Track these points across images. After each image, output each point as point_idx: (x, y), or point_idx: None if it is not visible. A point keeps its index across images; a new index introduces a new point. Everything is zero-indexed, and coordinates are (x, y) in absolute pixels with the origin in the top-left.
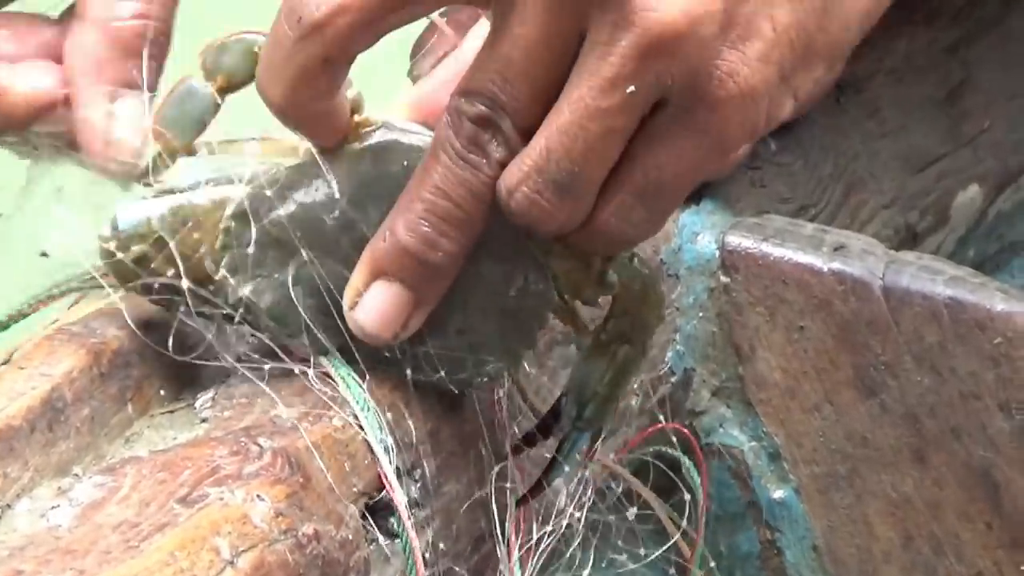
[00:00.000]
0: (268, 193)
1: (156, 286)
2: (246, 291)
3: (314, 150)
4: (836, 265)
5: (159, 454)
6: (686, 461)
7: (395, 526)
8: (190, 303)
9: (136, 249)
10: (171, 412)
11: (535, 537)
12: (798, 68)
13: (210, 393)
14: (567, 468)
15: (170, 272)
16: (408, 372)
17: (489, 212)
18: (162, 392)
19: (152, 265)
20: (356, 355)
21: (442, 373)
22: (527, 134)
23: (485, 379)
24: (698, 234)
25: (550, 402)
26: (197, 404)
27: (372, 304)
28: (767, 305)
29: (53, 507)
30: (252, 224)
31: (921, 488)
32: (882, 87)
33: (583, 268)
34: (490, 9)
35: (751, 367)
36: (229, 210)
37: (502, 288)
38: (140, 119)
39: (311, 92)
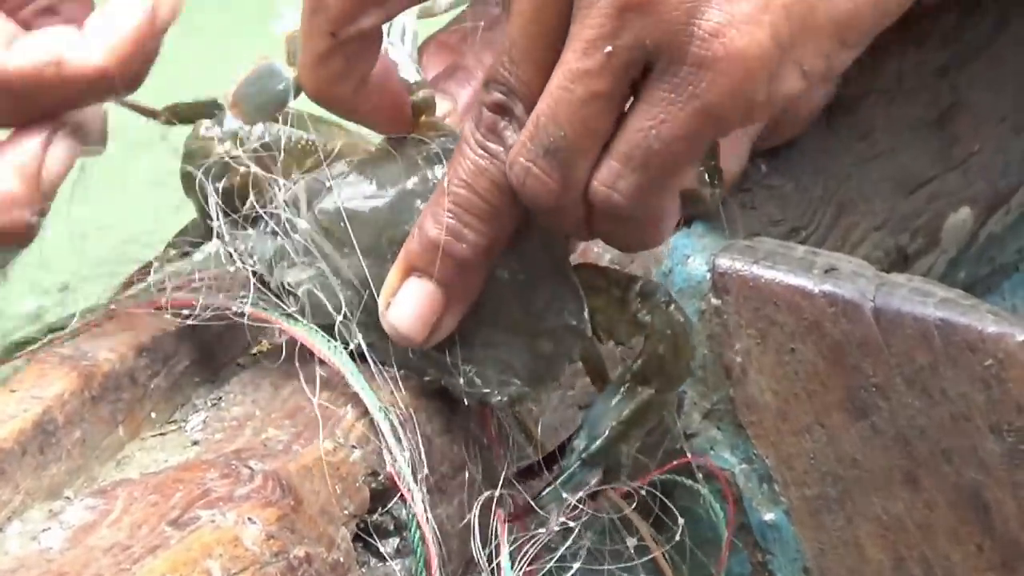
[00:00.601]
0: (326, 184)
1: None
2: (288, 278)
3: (368, 147)
4: (827, 287)
5: (150, 476)
6: (703, 491)
7: (384, 549)
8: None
9: (228, 145)
10: (162, 435)
11: (529, 562)
12: (799, 39)
13: (201, 416)
14: (564, 495)
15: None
16: (427, 377)
17: (523, 217)
18: (153, 415)
19: (233, 161)
20: (381, 355)
21: (461, 381)
22: None
23: (505, 399)
24: (689, 256)
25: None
26: (188, 427)
27: (404, 303)
28: (758, 327)
29: (44, 530)
30: (303, 211)
31: (912, 510)
32: (873, 109)
33: (619, 306)
34: None
35: (742, 389)
36: (287, 191)
37: (538, 312)
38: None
39: (328, 72)
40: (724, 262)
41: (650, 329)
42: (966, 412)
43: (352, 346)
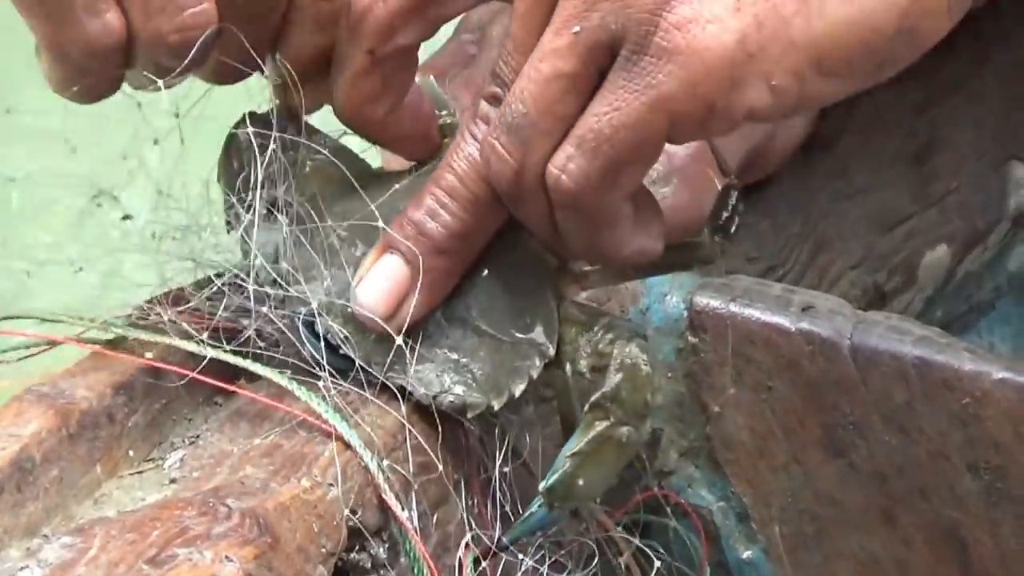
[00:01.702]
0: (345, 185)
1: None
2: (292, 263)
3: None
4: (804, 325)
5: (128, 515)
6: (671, 523)
7: None
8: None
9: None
10: (140, 473)
11: None
12: (769, 51)
13: (179, 454)
14: (517, 535)
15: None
16: (389, 374)
17: (505, 218)
18: (131, 453)
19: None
20: (353, 347)
21: (412, 372)
22: None
23: (456, 403)
24: (666, 294)
25: None
26: (166, 465)
27: (373, 279)
28: (735, 365)
29: (22, 568)
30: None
31: (889, 548)
32: (850, 146)
33: (585, 336)
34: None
35: (719, 427)
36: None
37: (509, 324)
38: None
39: (363, 91)
40: (701, 300)
41: (609, 360)
42: (943, 450)
43: (331, 337)
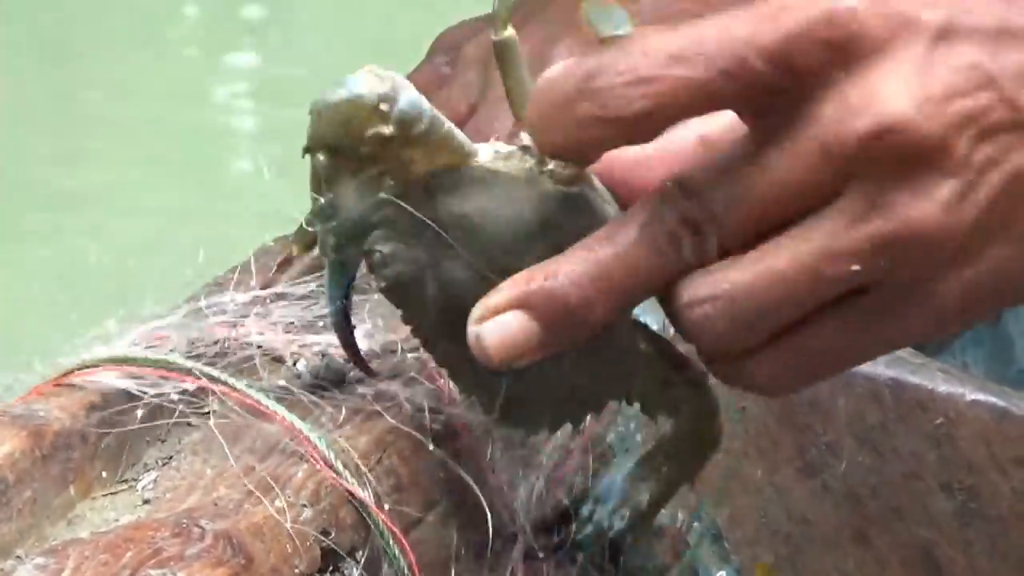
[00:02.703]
0: (460, 180)
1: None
2: (383, 248)
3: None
4: None
5: (101, 536)
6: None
7: None
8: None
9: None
10: (113, 494)
11: None
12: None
13: (152, 475)
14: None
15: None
16: (470, 397)
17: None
18: (104, 474)
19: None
20: (440, 356)
21: (499, 414)
22: (727, 254)
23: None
24: (640, 317)
25: None
26: (139, 486)
27: (502, 327)
28: None
29: None
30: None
31: (863, 568)
32: None
33: (660, 383)
34: (757, 126)
35: None
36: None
37: (591, 379)
38: None
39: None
40: None
41: (684, 413)
42: (917, 470)
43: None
